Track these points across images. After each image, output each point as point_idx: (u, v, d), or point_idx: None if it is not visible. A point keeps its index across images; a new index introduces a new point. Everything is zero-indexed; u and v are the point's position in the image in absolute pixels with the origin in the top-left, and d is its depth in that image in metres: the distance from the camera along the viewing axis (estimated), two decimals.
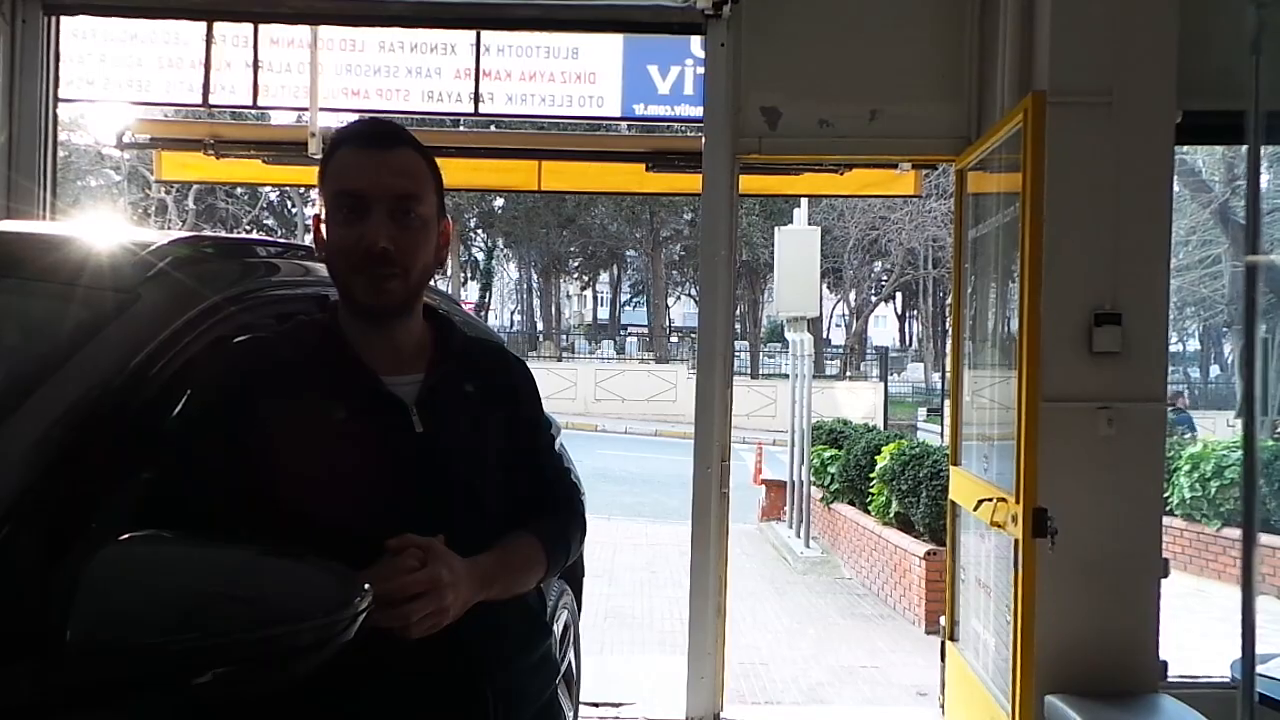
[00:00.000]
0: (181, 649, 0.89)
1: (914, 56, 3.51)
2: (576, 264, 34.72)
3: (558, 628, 2.61)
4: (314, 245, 1.35)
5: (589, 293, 41.73)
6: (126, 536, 0.96)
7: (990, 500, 3.03)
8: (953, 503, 3.72)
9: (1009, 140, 3.03)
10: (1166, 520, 6.03)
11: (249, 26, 4.28)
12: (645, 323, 36.47)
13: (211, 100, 4.45)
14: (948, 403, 4.51)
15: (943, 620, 3.78)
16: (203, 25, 4.22)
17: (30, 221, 3.19)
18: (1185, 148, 12.09)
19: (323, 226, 1.29)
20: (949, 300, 4.67)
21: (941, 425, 14.83)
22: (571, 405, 21.15)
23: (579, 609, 3.18)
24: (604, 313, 42.61)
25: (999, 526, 2.97)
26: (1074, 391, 2.94)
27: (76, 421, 1.09)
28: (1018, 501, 2.78)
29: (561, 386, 21.73)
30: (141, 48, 4.44)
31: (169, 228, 19.24)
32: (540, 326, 34.87)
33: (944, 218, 20.94)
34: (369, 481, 1.20)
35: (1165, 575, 3.05)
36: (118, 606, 0.89)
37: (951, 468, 3.72)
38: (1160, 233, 3.10)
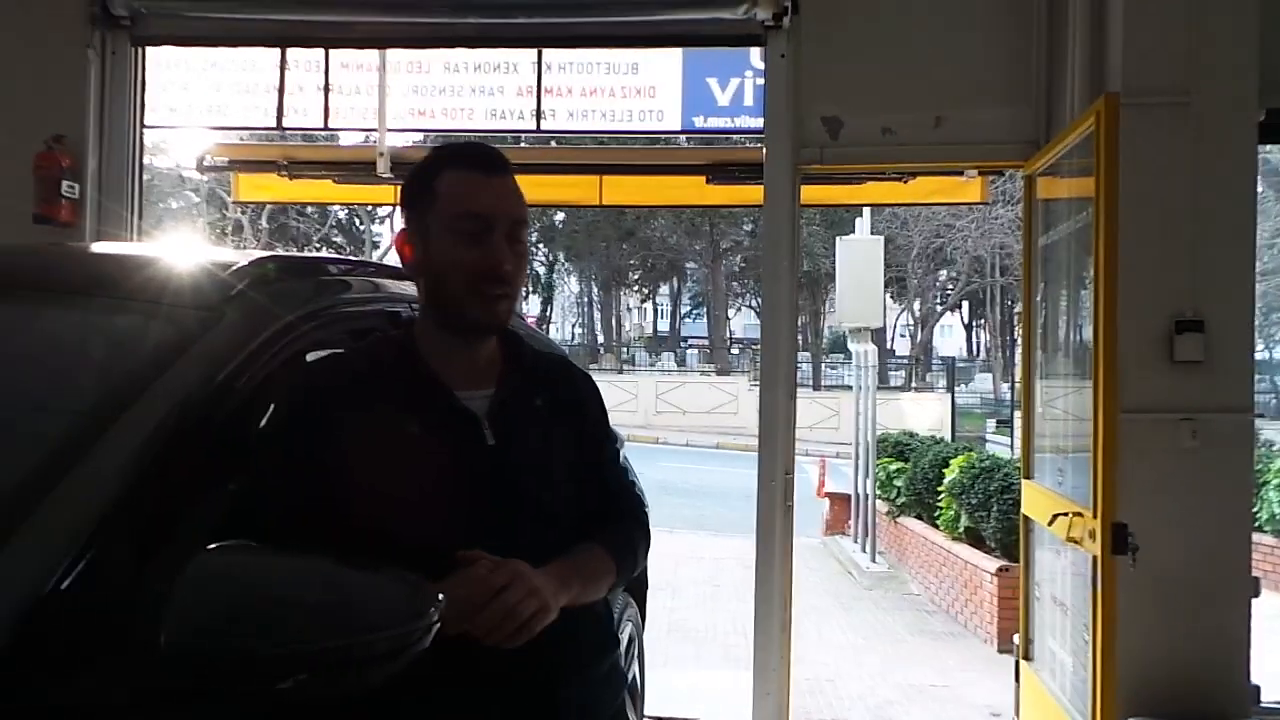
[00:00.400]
0: (265, 655, 0.93)
1: (979, 61, 3.45)
2: (637, 276, 34.88)
3: (623, 639, 2.61)
4: (402, 261, 1.37)
5: (649, 305, 41.85)
6: (214, 546, 1.00)
7: (1066, 515, 2.94)
8: (1026, 517, 3.61)
9: (1080, 144, 2.95)
10: (1257, 537, 5.78)
11: (321, 52, 4.43)
12: (706, 334, 36.39)
13: (285, 123, 4.61)
14: (1018, 414, 4.40)
15: (1016, 639, 3.67)
16: (277, 52, 4.38)
17: (120, 243, 3.35)
18: (1269, 147, 11.60)
19: (420, 244, 1.32)
20: (1018, 309, 4.55)
21: (1011, 437, 14.43)
22: (632, 418, 21.21)
23: (643, 622, 3.18)
24: (664, 325, 42.65)
25: (1075, 542, 2.88)
26: (1154, 402, 2.84)
27: (167, 435, 1.13)
28: (1095, 516, 2.69)
29: (622, 399, 21.81)
30: (220, 75, 4.63)
31: (245, 246, 19.93)
32: (601, 339, 35.10)
33: (1011, 224, 20.45)
34: (442, 494, 1.23)
35: (1256, 595, 2.92)
36: (207, 613, 0.93)
37: (1024, 481, 3.62)
38: (1243, 236, 2.98)
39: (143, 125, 3.61)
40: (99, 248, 2.40)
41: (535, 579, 1.18)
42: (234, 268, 1.47)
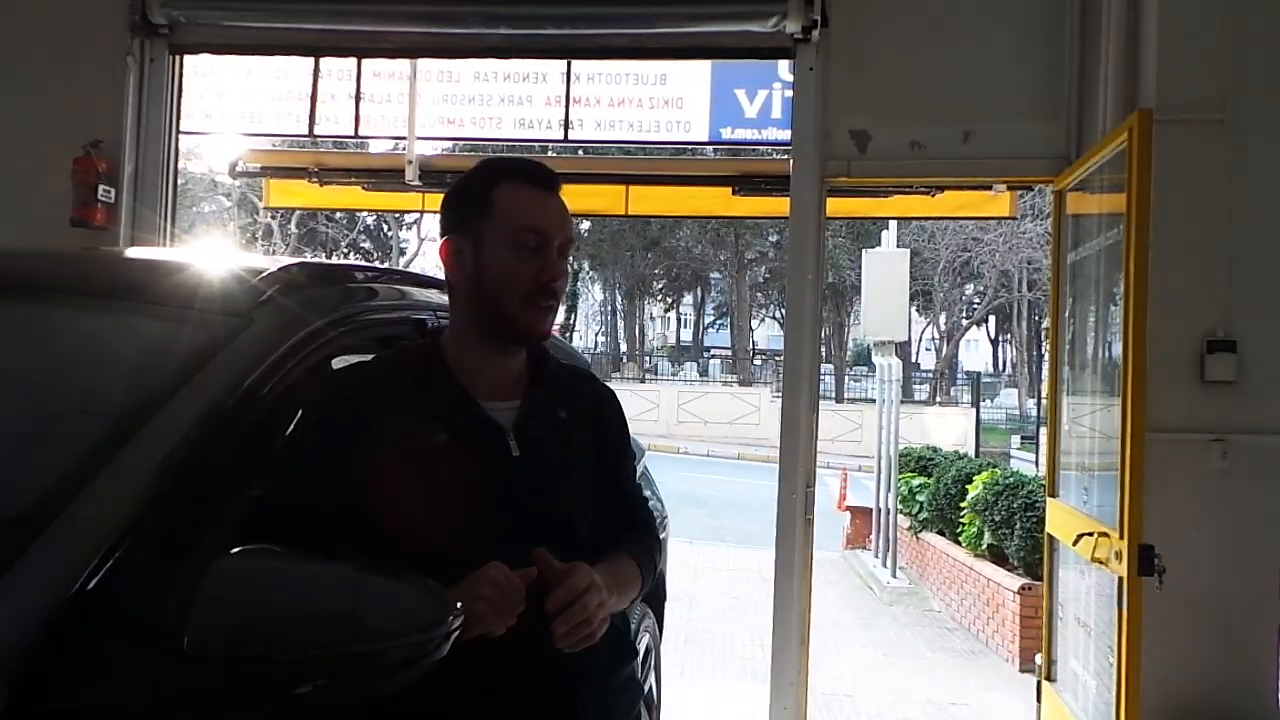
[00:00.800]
0: (285, 660, 0.94)
1: (1009, 76, 3.42)
2: (661, 286, 34.89)
3: (640, 650, 2.61)
4: (445, 270, 1.38)
5: (673, 314, 41.84)
6: (238, 550, 1.01)
7: (1091, 535, 2.90)
8: (1050, 536, 3.57)
9: (1112, 160, 2.92)
10: None
11: (353, 61, 4.49)
12: (729, 345, 36.31)
13: (316, 131, 4.68)
14: (1044, 431, 4.35)
15: (1039, 659, 3.62)
16: (310, 61, 4.45)
17: (153, 248, 3.41)
18: None
19: (472, 254, 1.32)
20: (1045, 324, 4.50)
21: (1036, 454, 14.26)
22: (654, 427, 21.18)
23: (660, 633, 3.18)
24: (687, 334, 42.62)
25: (1100, 563, 2.84)
26: (1183, 422, 2.80)
27: (195, 438, 1.15)
28: (1122, 537, 2.65)
29: (644, 408, 21.79)
30: (254, 82, 4.71)
31: (274, 251, 20.20)
32: (624, 348, 35.12)
33: (1040, 239, 20.27)
34: (467, 503, 1.24)
35: None
36: (230, 617, 0.94)
37: (1048, 499, 3.58)
38: (1278, 255, 2.93)
39: (178, 131, 3.68)
40: (133, 253, 2.44)
41: (603, 584, 1.22)
42: (263, 274, 1.49)
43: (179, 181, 3.72)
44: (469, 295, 1.34)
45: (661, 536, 1.61)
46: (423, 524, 1.19)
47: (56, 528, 0.99)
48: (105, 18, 3.48)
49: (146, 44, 3.54)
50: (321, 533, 1.17)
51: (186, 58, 3.68)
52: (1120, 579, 2.65)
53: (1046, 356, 3.80)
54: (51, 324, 1.47)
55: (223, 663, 0.93)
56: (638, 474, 1.65)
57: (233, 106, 4.70)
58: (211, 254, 2.00)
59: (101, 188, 3.40)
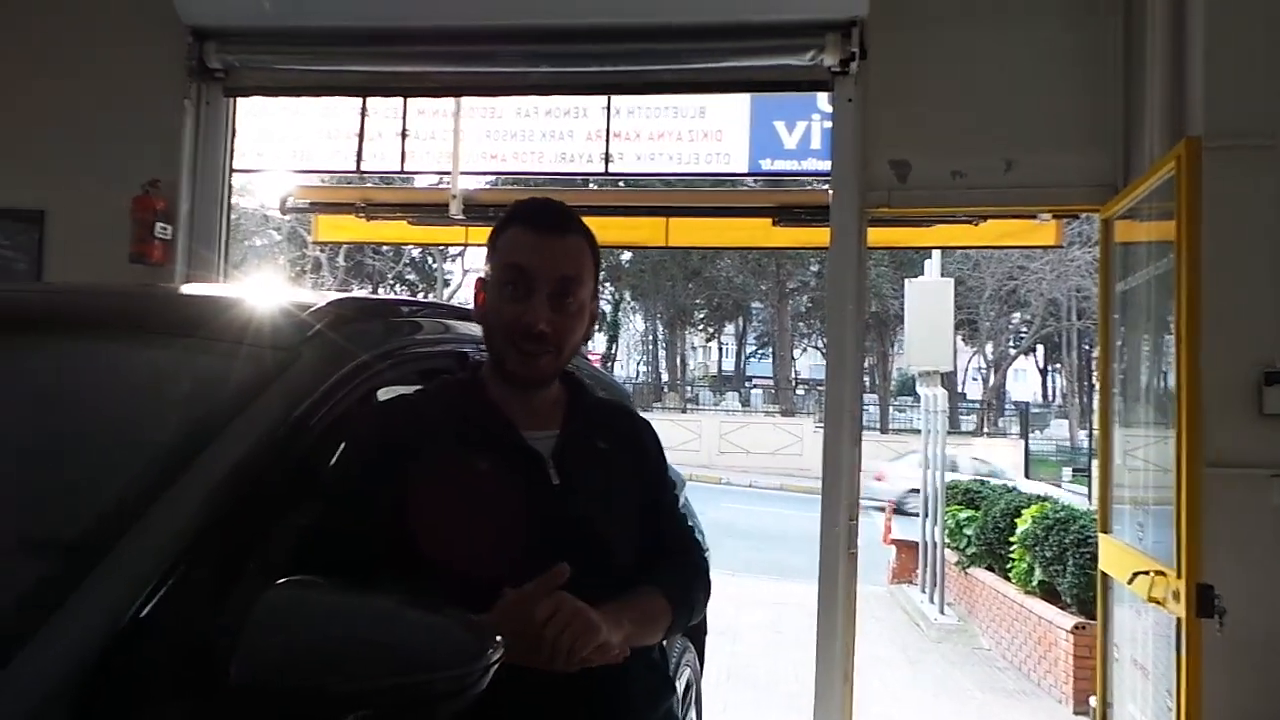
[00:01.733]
0: (331, 691, 0.95)
1: (1052, 103, 3.40)
2: (702, 316, 34.91)
3: (680, 685, 2.58)
4: (474, 305, 1.43)
5: (714, 344, 41.77)
6: (284, 581, 1.03)
7: (1147, 573, 2.81)
8: (1104, 573, 3.47)
9: (1160, 188, 2.87)
10: None
11: (399, 100, 4.61)
12: (771, 375, 36.11)
13: (364, 167, 4.80)
14: (1095, 463, 4.23)
15: (1093, 701, 3.50)
16: (358, 100, 4.58)
17: (207, 284, 3.51)
18: None
19: (484, 291, 1.37)
20: (1095, 353, 4.41)
21: (1089, 486, 13.89)
22: (696, 457, 21.09)
23: (701, 667, 3.14)
24: (729, 364, 42.49)
25: (1157, 603, 2.74)
26: (1241, 457, 2.71)
27: (246, 469, 1.17)
28: (1179, 576, 2.56)
29: (686, 438, 21.72)
30: (304, 121, 4.86)
31: (323, 284, 20.64)
32: (665, 377, 35.12)
33: (1088, 267, 19.91)
34: (508, 531, 1.25)
35: None
36: (276, 648, 0.95)
37: (1101, 535, 3.48)
38: None
39: (231, 170, 3.80)
40: (187, 289, 2.52)
41: (577, 605, 1.17)
42: (311, 309, 1.52)
43: (232, 218, 3.84)
44: (483, 333, 1.39)
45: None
46: (464, 552, 1.20)
47: (114, 556, 1.02)
48: (165, 64, 3.62)
49: (203, 88, 3.68)
50: (365, 562, 1.19)
51: (240, 100, 3.80)
52: (1179, 620, 2.56)
53: (1097, 387, 3.71)
54: (110, 357, 1.52)
55: (268, 693, 0.94)
56: (679, 505, 1.63)
57: (283, 145, 4.85)
58: (262, 289, 2.06)
59: (159, 225, 3.52)
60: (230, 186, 3.79)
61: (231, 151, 3.78)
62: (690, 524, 1.60)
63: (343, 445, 1.35)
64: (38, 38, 3.75)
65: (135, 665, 0.96)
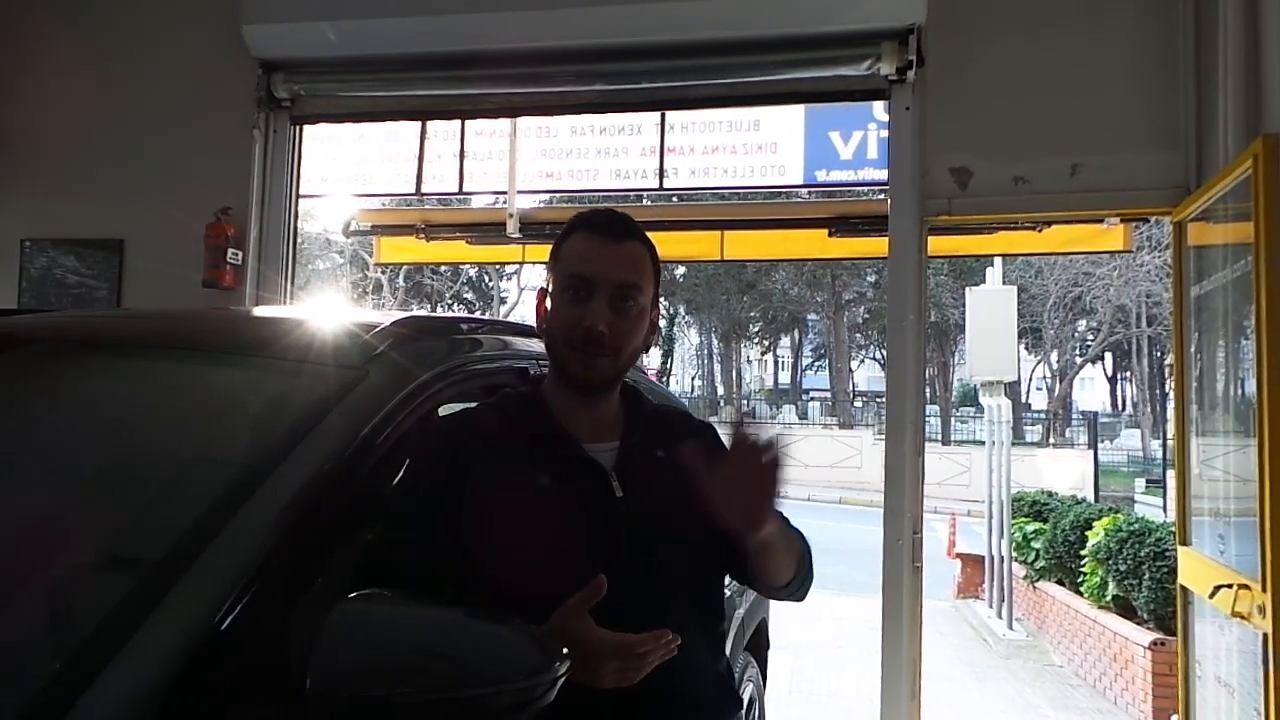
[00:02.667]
0: (403, 702, 0.97)
1: (1119, 105, 3.31)
2: (757, 329, 34.71)
3: (744, 700, 2.56)
4: (536, 318, 1.45)
5: (770, 357, 41.49)
6: (355, 595, 1.05)
7: (1230, 587, 2.70)
8: (1183, 587, 3.34)
9: (1236, 188, 2.77)
10: None
11: (457, 122, 4.71)
12: (828, 387, 35.69)
13: (423, 189, 4.91)
14: (1171, 474, 4.09)
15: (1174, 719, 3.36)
16: (418, 125, 4.69)
17: (277, 307, 3.63)
18: None
19: (547, 303, 1.39)
20: (1168, 360, 4.25)
21: (1164, 498, 13.38)
22: None
23: (764, 683, 3.11)
24: (785, 377, 42.14)
25: (1242, 617, 2.63)
26: None
27: (316, 486, 1.21)
28: (1264, 590, 2.46)
29: None
30: (366, 146, 5.00)
31: (384, 304, 21.11)
32: (721, 391, 34.96)
33: (1159, 271, 19.27)
34: (573, 544, 1.26)
35: None
36: (348, 660, 0.97)
37: (1179, 548, 3.36)
38: None
39: (298, 195, 3.92)
40: (260, 312, 2.60)
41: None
42: (376, 329, 1.57)
43: (298, 242, 3.96)
44: (544, 342, 1.41)
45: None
46: (528, 565, 1.21)
47: (194, 572, 1.05)
48: (234, 95, 3.76)
49: (271, 117, 3.81)
50: (430, 577, 1.21)
51: (305, 127, 3.93)
52: (1265, 635, 2.46)
53: (1171, 395, 3.58)
54: (186, 378, 1.58)
55: (342, 703, 0.96)
56: None
57: (345, 170, 4.99)
58: (329, 311, 2.12)
59: (230, 250, 3.64)
60: (297, 212, 3.91)
61: (298, 178, 3.90)
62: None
63: (408, 460, 1.38)
64: (117, 76, 3.93)
65: (216, 677, 0.99)
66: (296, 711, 0.99)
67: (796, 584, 1.43)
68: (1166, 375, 25.44)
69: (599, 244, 1.36)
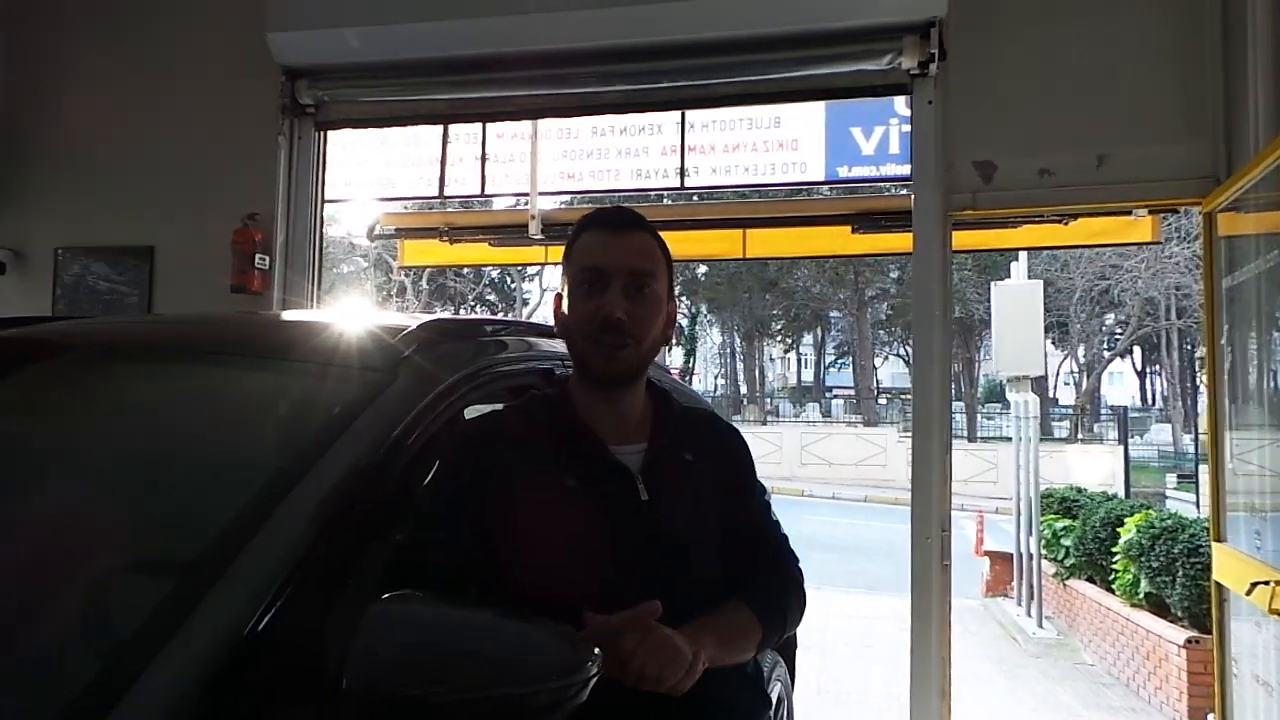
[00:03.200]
0: (439, 702, 0.97)
1: (1145, 94, 3.26)
2: (779, 327, 34.60)
3: (771, 699, 2.55)
4: (554, 321, 1.47)
5: (792, 355, 41.34)
6: (389, 595, 1.06)
7: (1266, 583, 2.65)
8: (1218, 584, 3.29)
9: (1268, 177, 2.73)
10: None
11: (479, 126, 4.73)
12: (851, 384, 35.50)
13: (446, 192, 4.94)
14: (1204, 469, 4.02)
15: (1211, 719, 3.31)
16: (439, 128, 4.72)
17: (306, 311, 3.66)
18: None
19: (563, 304, 1.40)
20: (1199, 353, 4.19)
21: (1197, 494, 13.18)
22: (777, 469, 20.85)
23: (792, 682, 3.10)
24: (808, 375, 41.96)
25: (1279, 614, 2.59)
26: None
27: (347, 488, 1.22)
28: None
29: (766, 450, 21.51)
30: (389, 151, 5.04)
31: (407, 307, 21.26)
32: (744, 390, 34.88)
33: (1188, 263, 18.99)
34: (599, 547, 1.26)
35: None
36: (385, 658, 0.98)
37: (1214, 544, 3.31)
38: None
39: (323, 201, 3.96)
40: (290, 316, 2.63)
41: (663, 637, 1.18)
42: (404, 333, 1.58)
43: (323, 246, 3.99)
44: (565, 342, 1.42)
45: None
46: (554, 567, 1.21)
47: (230, 573, 1.07)
48: (259, 103, 3.80)
49: (295, 123, 3.85)
50: (458, 578, 1.22)
51: (329, 133, 3.96)
52: None
53: (1203, 388, 3.53)
54: (220, 382, 1.60)
55: (378, 702, 0.97)
56: (770, 513, 1.62)
57: (370, 174, 5.03)
58: (356, 314, 2.14)
59: (257, 256, 3.69)
60: (322, 217, 3.94)
61: (323, 183, 3.93)
62: (783, 533, 1.58)
63: (436, 462, 1.39)
64: (146, 88, 3.98)
65: (253, 677, 1.00)
66: (333, 710, 1.00)
67: (761, 652, 1.42)
68: (1197, 368, 25.07)
69: (608, 236, 1.38)
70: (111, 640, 1.07)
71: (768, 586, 1.43)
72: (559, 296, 1.44)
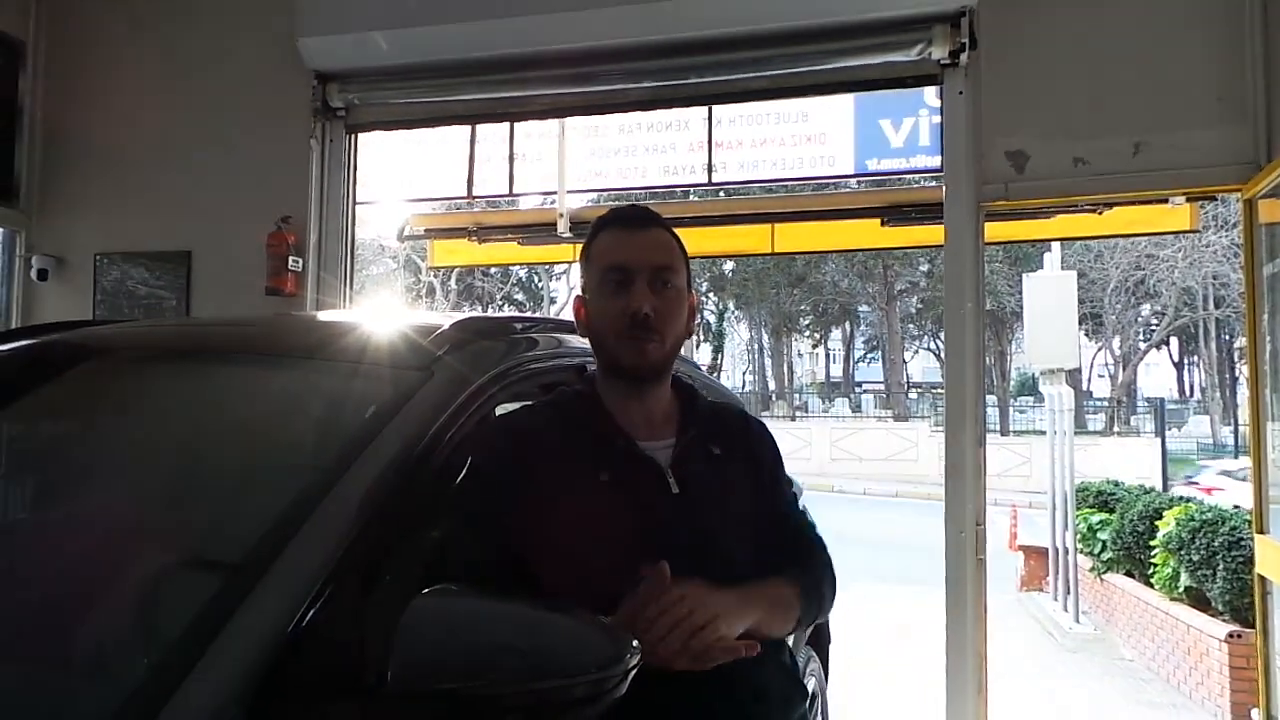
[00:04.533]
0: (481, 695, 0.99)
1: (1182, 80, 3.20)
2: (807, 322, 34.42)
3: (809, 691, 2.55)
4: (576, 321, 1.47)
5: (821, 350, 41.10)
6: (429, 590, 1.07)
7: None
8: (1261, 577, 3.23)
9: None
10: None
11: (506, 126, 4.76)
12: (881, 379, 35.22)
13: (474, 192, 4.97)
14: (1246, 461, 3.95)
15: (1255, 714, 3.25)
16: (468, 129, 4.75)
17: (343, 311, 3.71)
18: None
19: (585, 304, 1.41)
20: (1239, 343, 4.10)
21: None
22: (807, 465, 20.75)
23: (826, 677, 3.09)
24: (837, 370, 41.70)
25: None
26: None
27: (386, 485, 1.24)
28: None
29: (796, 446, 21.41)
30: (418, 152, 5.08)
31: (437, 307, 21.44)
32: (772, 386, 34.74)
33: (1226, 251, 18.63)
34: (630, 541, 1.27)
35: None
36: (429, 653, 1.00)
37: (1257, 536, 3.25)
38: None
39: (354, 202, 4.00)
40: (325, 317, 2.67)
41: (705, 593, 1.19)
42: (438, 332, 1.60)
43: (355, 248, 4.04)
44: (591, 342, 1.42)
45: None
46: (587, 562, 1.22)
47: (274, 572, 1.08)
48: (291, 106, 3.85)
49: (327, 126, 3.90)
50: (495, 572, 1.23)
51: (360, 135, 4.01)
52: None
53: (1244, 379, 3.46)
54: (260, 383, 1.63)
55: (420, 697, 0.99)
56: (798, 505, 1.62)
57: (400, 176, 5.08)
58: (390, 314, 2.17)
59: (291, 258, 3.74)
60: (354, 219, 3.99)
61: (354, 185, 3.98)
62: (812, 523, 1.58)
63: (470, 458, 1.41)
64: (181, 95, 4.05)
65: (298, 673, 1.02)
66: (376, 706, 1.01)
67: (799, 629, 1.40)
68: (1237, 359, 24.56)
69: (627, 234, 1.40)
70: (157, 640, 1.09)
71: (807, 569, 1.43)
72: (580, 298, 1.45)
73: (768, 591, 1.33)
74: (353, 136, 3.95)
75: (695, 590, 1.19)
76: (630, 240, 1.38)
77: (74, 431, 1.64)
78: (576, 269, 1.62)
